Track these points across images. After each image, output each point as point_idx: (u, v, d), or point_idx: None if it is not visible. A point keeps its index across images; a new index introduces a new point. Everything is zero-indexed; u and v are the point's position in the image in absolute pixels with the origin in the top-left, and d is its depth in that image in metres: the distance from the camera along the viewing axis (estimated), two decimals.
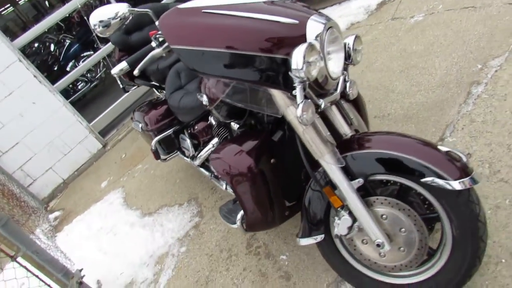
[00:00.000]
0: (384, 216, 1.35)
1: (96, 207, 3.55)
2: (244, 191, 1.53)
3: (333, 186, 1.37)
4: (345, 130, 1.48)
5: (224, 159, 1.55)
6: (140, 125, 2.50)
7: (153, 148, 2.43)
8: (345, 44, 1.44)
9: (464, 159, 1.21)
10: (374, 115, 2.46)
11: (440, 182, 1.17)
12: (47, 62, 6.33)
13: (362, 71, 2.95)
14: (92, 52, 5.51)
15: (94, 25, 1.29)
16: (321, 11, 1.34)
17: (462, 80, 2.28)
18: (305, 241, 1.53)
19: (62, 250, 3.23)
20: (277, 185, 1.57)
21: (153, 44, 1.33)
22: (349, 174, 1.34)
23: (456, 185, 1.15)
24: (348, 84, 1.48)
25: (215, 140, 2.04)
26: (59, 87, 4.43)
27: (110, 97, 5.49)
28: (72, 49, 6.29)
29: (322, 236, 1.49)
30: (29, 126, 4.07)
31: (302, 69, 1.15)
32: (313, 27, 1.24)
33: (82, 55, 6.08)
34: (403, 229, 1.33)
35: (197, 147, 2.31)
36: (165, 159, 2.58)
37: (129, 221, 3.03)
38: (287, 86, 1.25)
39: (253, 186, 1.51)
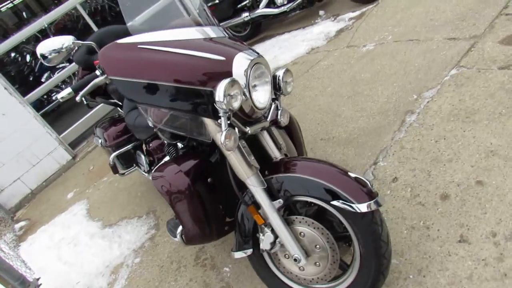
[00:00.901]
0: (302, 234, 1.51)
1: (61, 218, 3.63)
2: (182, 208, 1.67)
3: (257, 205, 1.53)
4: (275, 154, 1.64)
5: (163, 177, 1.70)
6: (100, 141, 2.63)
7: (110, 163, 2.55)
8: (276, 76, 1.61)
9: (369, 184, 1.39)
10: (321, 137, 2.65)
11: (347, 205, 1.35)
12: (23, 72, 6.39)
13: (315, 95, 3.15)
14: (67, 64, 5.60)
15: (41, 55, 1.43)
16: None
17: (399, 108, 2.49)
18: (237, 254, 1.68)
19: (23, 259, 3.30)
20: (214, 203, 1.72)
21: (97, 72, 1.48)
22: (273, 194, 1.50)
23: (361, 207, 1.33)
24: (279, 112, 1.65)
25: (167, 158, 2.19)
26: (30, 99, 4.52)
27: (83, 109, 5.57)
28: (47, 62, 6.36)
29: (251, 250, 1.64)
30: None
31: (223, 101, 1.30)
32: (240, 63, 1.38)
33: (57, 66, 6.16)
34: (318, 246, 1.49)
35: (153, 163, 2.45)
36: (123, 174, 2.70)
37: (90, 232, 3.13)
38: (215, 115, 1.40)
39: (190, 204, 1.65)
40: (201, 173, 1.68)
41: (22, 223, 4.01)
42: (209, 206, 1.70)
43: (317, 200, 1.44)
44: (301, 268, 1.56)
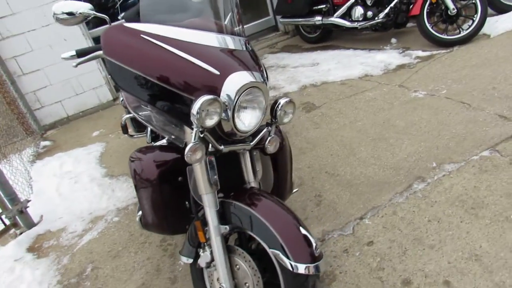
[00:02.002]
0: (237, 267, 1.49)
1: (77, 151, 3.85)
2: (143, 195, 1.70)
3: (205, 222, 1.52)
4: (249, 179, 1.61)
5: (136, 161, 1.73)
6: (122, 98, 2.72)
7: (122, 122, 2.64)
8: (277, 103, 1.56)
9: (315, 247, 1.33)
10: (327, 170, 2.56)
11: (284, 258, 1.30)
12: (106, 4, 6.68)
13: (344, 124, 3.03)
14: None
15: (55, 14, 1.48)
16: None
17: (412, 171, 2.33)
18: (182, 258, 1.70)
19: (31, 176, 3.55)
20: (178, 200, 1.73)
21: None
22: (225, 218, 1.48)
23: (298, 267, 1.28)
24: (268, 139, 1.60)
25: (163, 141, 2.22)
26: (93, 33, 4.75)
27: None
28: (131, 1, 6.60)
29: (191, 260, 1.65)
30: (53, 59, 4.41)
31: (196, 116, 1.27)
32: (233, 82, 1.34)
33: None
34: (247, 284, 1.47)
35: (155, 139, 2.50)
36: (132, 136, 2.79)
37: (92, 175, 3.29)
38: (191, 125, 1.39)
39: (151, 194, 1.67)
40: (174, 170, 1.68)
41: (47, 142, 4.30)
42: (172, 203, 1.71)
43: (262, 242, 1.41)
44: None
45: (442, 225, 1.91)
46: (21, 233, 2.80)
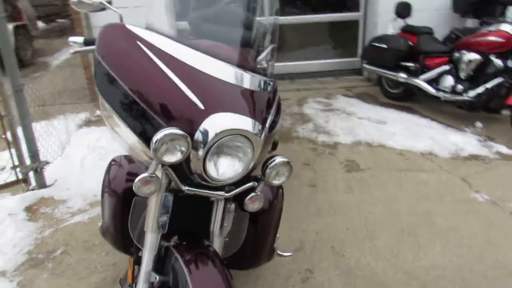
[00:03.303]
0: None
1: None
2: (107, 203, 1.60)
3: (139, 262, 1.34)
4: (214, 231, 1.39)
5: (113, 166, 1.63)
6: None
7: None
8: (271, 158, 1.33)
9: None
10: (334, 245, 2.24)
11: None
12: None
13: (379, 200, 2.66)
14: None
15: None
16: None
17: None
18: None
19: (69, 140, 3.68)
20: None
21: None
22: (161, 266, 1.30)
23: None
24: (250, 196, 1.37)
25: None
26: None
27: None
28: None
29: None
30: None
31: (153, 147, 1.10)
32: (215, 123, 1.15)
33: None
34: None
35: None
36: None
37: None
38: None
39: (115, 205, 1.56)
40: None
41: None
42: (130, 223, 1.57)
43: None
44: None
45: None
46: (32, 190, 2.87)
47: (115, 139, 1.40)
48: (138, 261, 1.33)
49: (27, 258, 2.20)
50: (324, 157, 3.31)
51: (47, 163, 2.93)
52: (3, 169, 2.91)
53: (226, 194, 1.31)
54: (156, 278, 1.27)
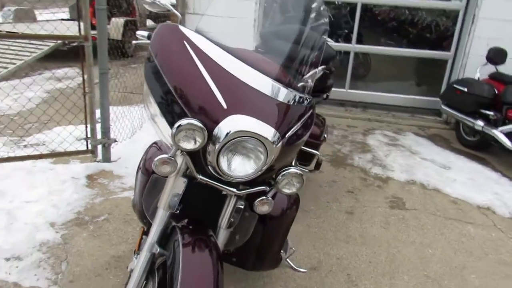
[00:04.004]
0: None
1: None
2: (139, 179, 1.79)
3: (147, 232, 1.49)
4: (222, 224, 1.49)
5: (151, 149, 1.83)
6: None
7: None
8: (285, 167, 1.42)
9: None
10: (350, 273, 2.20)
11: None
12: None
13: (413, 242, 2.54)
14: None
15: None
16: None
17: None
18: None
19: (141, 126, 4.05)
20: None
21: None
22: (165, 241, 1.44)
23: None
24: (260, 199, 1.45)
25: None
26: None
27: None
28: None
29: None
30: None
31: (172, 132, 1.25)
32: (233, 122, 1.26)
33: None
34: None
35: None
36: None
37: None
38: None
39: (147, 184, 1.73)
40: None
41: None
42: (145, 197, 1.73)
43: None
44: None
45: None
46: (97, 161, 3.24)
47: (151, 124, 1.57)
48: (147, 233, 1.48)
49: (75, 217, 2.50)
50: (371, 189, 3.24)
51: (115, 141, 3.28)
52: (80, 139, 3.31)
53: (237, 192, 1.41)
54: (157, 249, 1.40)
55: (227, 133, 1.24)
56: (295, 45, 1.81)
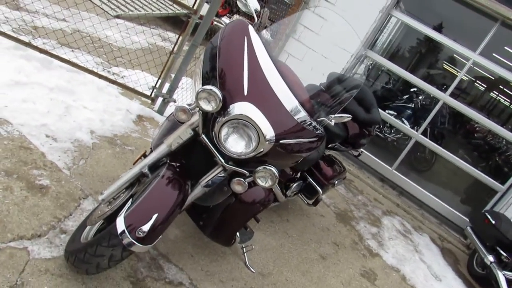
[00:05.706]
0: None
1: None
2: (164, 124, 2.17)
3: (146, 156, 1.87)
4: (202, 182, 1.84)
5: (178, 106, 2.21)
6: None
7: None
8: (266, 165, 1.71)
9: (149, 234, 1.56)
10: None
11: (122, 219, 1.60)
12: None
13: None
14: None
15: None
16: None
17: None
18: None
19: None
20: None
21: None
22: (154, 168, 1.81)
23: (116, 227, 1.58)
24: (237, 178, 1.76)
25: None
26: None
27: None
28: None
29: None
30: None
31: (197, 91, 1.62)
32: (243, 106, 1.60)
33: None
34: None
35: None
36: None
37: None
38: None
39: (166, 128, 2.10)
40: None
41: None
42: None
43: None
44: None
45: None
46: (152, 109, 3.74)
47: (193, 87, 1.96)
48: (146, 156, 1.86)
49: (111, 136, 2.97)
50: (355, 253, 3.38)
51: (174, 101, 3.77)
52: (150, 88, 3.83)
53: (224, 163, 1.74)
54: (146, 170, 1.79)
55: (234, 113, 1.58)
56: (331, 86, 2.14)
